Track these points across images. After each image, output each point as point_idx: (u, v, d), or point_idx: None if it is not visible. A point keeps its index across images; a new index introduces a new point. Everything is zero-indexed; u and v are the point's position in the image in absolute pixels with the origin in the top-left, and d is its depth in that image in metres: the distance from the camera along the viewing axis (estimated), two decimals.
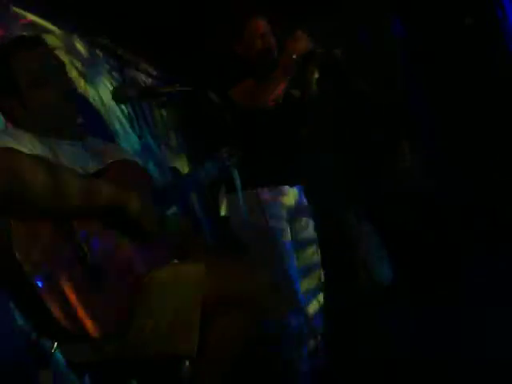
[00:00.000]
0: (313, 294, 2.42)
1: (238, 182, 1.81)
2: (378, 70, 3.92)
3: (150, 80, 3.45)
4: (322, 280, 2.46)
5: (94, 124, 2.57)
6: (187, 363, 1.43)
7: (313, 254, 2.46)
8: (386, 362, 2.39)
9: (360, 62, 3.70)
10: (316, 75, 2.36)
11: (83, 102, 2.53)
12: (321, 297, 2.44)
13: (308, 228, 2.47)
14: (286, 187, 2.38)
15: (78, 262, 1.29)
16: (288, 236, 2.33)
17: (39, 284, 1.20)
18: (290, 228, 2.37)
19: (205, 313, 1.41)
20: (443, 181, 3.83)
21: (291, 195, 2.41)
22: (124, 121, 2.96)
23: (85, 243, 1.32)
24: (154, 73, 3.50)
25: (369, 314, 3.09)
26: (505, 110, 3.77)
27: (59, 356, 1.36)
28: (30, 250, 1.21)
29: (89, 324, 1.28)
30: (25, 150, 1.38)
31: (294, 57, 2.20)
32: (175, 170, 3.12)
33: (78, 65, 2.73)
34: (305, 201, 2.49)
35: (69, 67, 2.34)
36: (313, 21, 3.61)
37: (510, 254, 3.22)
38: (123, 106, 2.92)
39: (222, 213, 2.36)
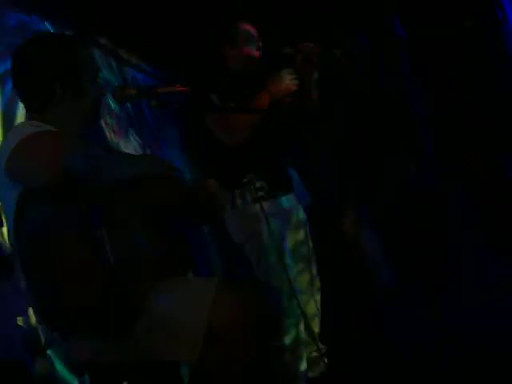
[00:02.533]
0: (310, 294, 2.42)
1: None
2: (377, 70, 3.92)
3: (149, 80, 3.45)
4: (319, 281, 2.46)
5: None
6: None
7: (309, 254, 2.47)
8: (385, 363, 2.40)
9: (360, 62, 3.70)
10: (315, 76, 2.35)
11: None
12: (318, 297, 2.45)
13: (304, 229, 2.47)
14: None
15: (98, 259, 1.32)
16: (288, 241, 2.33)
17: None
18: (288, 230, 2.37)
19: (211, 330, 1.41)
20: (443, 181, 3.84)
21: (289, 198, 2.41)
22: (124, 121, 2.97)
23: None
24: (154, 73, 3.50)
25: (369, 314, 3.09)
26: (504, 110, 3.78)
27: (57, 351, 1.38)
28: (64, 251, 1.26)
29: (98, 320, 1.30)
30: None
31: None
32: (177, 170, 3.12)
33: None
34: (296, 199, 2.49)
35: None
36: (313, 21, 3.61)
37: (509, 255, 3.22)
38: (123, 106, 2.92)
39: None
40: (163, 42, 3.14)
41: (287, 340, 2.22)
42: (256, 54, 2.37)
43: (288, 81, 2.21)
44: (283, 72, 2.21)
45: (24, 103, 1.57)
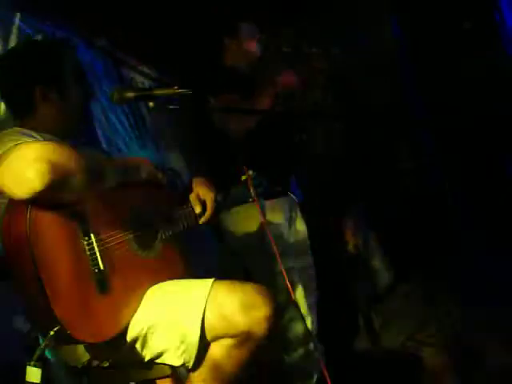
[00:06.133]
0: (308, 293, 2.43)
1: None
2: (377, 70, 3.92)
3: (148, 82, 3.44)
4: (315, 280, 2.47)
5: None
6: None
7: (307, 253, 2.47)
8: (384, 363, 2.40)
9: (360, 62, 3.70)
10: (321, 79, 2.35)
11: None
12: (314, 295, 2.46)
13: (302, 229, 2.48)
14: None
15: (89, 265, 1.32)
16: (287, 240, 2.33)
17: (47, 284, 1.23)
18: (288, 229, 2.37)
19: (207, 330, 1.41)
20: (443, 181, 3.84)
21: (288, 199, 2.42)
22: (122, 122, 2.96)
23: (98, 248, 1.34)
24: (153, 74, 3.49)
25: (366, 314, 3.09)
26: (503, 111, 3.78)
27: (54, 356, 1.37)
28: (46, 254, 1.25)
29: (92, 325, 1.29)
30: None
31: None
32: (174, 172, 3.12)
33: None
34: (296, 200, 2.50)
35: None
36: (313, 20, 3.61)
37: (509, 255, 3.22)
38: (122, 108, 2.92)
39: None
40: (161, 44, 3.14)
41: (285, 339, 2.23)
42: (256, 50, 2.38)
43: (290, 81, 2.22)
44: (285, 71, 2.22)
45: (9, 109, 1.59)
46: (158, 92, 1.50)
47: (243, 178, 1.83)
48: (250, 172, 1.81)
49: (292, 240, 2.38)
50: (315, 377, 2.35)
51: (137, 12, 2.94)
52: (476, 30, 3.83)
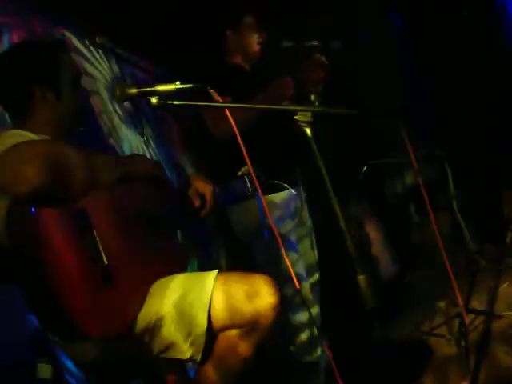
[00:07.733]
0: (313, 285, 2.44)
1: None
2: (377, 68, 3.91)
3: (148, 78, 3.44)
4: (319, 275, 2.48)
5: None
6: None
7: (312, 249, 2.48)
8: (386, 363, 2.40)
9: (360, 60, 3.69)
10: (322, 75, 2.33)
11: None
12: (318, 288, 2.46)
13: (307, 222, 2.48)
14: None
15: (92, 261, 1.33)
16: (292, 234, 2.33)
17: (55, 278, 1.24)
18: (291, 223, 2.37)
19: (213, 321, 1.42)
20: (444, 179, 3.83)
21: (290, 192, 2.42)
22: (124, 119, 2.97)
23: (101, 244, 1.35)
24: (154, 70, 3.49)
25: (370, 309, 3.08)
26: (506, 101, 3.76)
27: (63, 353, 1.38)
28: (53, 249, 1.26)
29: (100, 321, 1.30)
30: None
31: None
32: (177, 168, 3.13)
33: None
34: (302, 194, 2.50)
35: None
36: (313, 18, 3.60)
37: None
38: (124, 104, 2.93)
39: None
40: (163, 40, 3.14)
41: (291, 330, 2.24)
42: (257, 47, 2.38)
43: (288, 88, 2.20)
44: (285, 78, 2.21)
45: (6, 111, 1.60)
46: (160, 88, 1.50)
47: (239, 173, 1.83)
48: (247, 167, 1.81)
49: (297, 233, 2.38)
50: (322, 368, 2.36)
51: (138, 8, 2.94)
52: (477, 17, 3.81)
